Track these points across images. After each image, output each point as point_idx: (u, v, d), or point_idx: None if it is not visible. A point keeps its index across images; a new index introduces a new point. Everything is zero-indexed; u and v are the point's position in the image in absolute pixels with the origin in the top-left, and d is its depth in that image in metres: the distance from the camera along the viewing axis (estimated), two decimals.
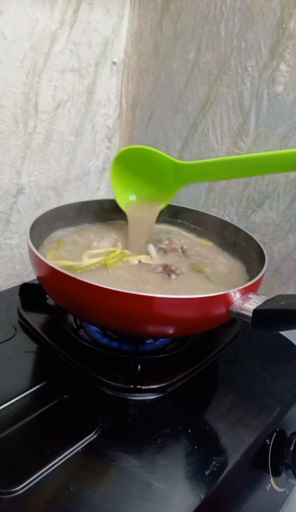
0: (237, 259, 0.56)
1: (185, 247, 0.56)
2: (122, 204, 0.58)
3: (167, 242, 0.56)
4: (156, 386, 0.44)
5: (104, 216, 0.63)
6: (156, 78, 0.72)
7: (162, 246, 0.56)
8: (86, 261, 0.50)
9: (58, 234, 0.57)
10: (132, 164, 0.55)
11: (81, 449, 0.38)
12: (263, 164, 0.45)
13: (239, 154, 0.65)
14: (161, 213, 0.61)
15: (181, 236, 0.61)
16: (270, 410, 0.45)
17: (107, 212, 0.63)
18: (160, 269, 0.49)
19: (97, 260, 0.50)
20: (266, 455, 0.44)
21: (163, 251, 0.55)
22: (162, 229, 0.63)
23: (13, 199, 0.68)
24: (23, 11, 0.58)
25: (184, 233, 0.62)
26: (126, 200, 0.58)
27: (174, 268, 0.48)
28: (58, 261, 0.50)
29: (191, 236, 0.62)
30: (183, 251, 0.55)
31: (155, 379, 0.45)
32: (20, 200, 0.69)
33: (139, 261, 0.51)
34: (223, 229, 0.59)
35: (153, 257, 0.53)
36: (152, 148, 0.53)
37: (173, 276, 0.48)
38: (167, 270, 0.49)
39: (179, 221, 0.64)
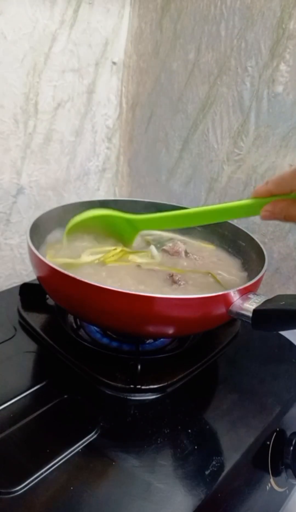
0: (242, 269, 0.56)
1: (188, 251, 0.56)
2: None
3: (170, 244, 0.56)
4: (156, 386, 0.44)
5: None
6: (156, 78, 0.72)
7: (165, 248, 0.56)
8: (85, 258, 0.50)
9: (58, 234, 0.57)
10: (84, 229, 0.54)
11: (81, 449, 0.38)
12: (215, 215, 0.46)
13: (239, 154, 0.65)
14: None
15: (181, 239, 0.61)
16: (270, 410, 0.45)
17: None
18: (166, 276, 0.49)
19: (96, 258, 0.50)
20: (266, 455, 0.44)
21: (166, 253, 0.55)
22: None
23: (13, 199, 0.68)
24: (23, 11, 0.58)
25: (182, 237, 0.62)
26: None
27: (177, 278, 0.48)
28: (57, 259, 0.50)
29: (192, 240, 0.61)
30: (186, 254, 0.55)
31: (155, 379, 0.45)
32: (20, 200, 0.69)
33: (139, 266, 0.51)
34: (223, 229, 0.59)
35: (155, 256, 0.53)
36: (98, 213, 0.53)
37: (175, 286, 0.48)
38: (172, 280, 0.49)
39: None
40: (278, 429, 0.45)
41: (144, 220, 0.51)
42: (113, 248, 0.53)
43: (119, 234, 0.54)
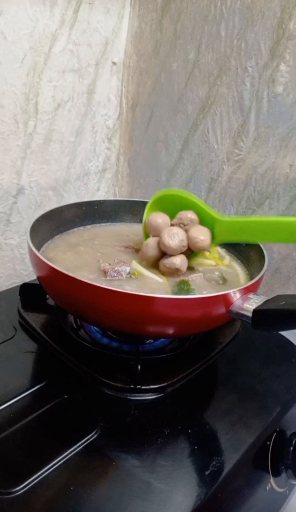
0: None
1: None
2: None
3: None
4: (156, 386, 0.44)
5: (105, 216, 0.63)
6: (156, 78, 0.72)
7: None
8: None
9: (58, 234, 0.57)
10: (166, 209, 0.50)
11: (81, 449, 0.38)
12: None
13: (239, 154, 0.65)
14: None
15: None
16: (270, 410, 0.45)
17: (107, 213, 0.63)
18: None
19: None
20: (266, 455, 0.44)
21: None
22: None
23: (13, 199, 0.68)
24: (23, 11, 0.59)
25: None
26: None
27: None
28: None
29: None
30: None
31: (155, 379, 0.45)
32: (20, 200, 0.69)
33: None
34: None
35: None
36: (191, 197, 0.49)
37: None
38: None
39: None
40: (278, 429, 0.45)
41: (232, 223, 0.45)
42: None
43: None
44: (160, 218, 0.49)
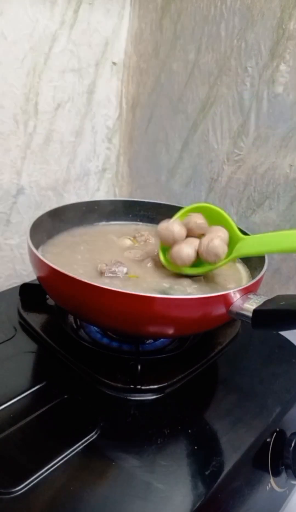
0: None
1: None
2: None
3: None
4: (156, 386, 0.44)
5: (105, 216, 0.63)
6: (156, 78, 0.72)
7: None
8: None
9: (58, 234, 0.57)
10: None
11: (81, 449, 0.38)
12: None
13: (239, 154, 0.65)
14: (160, 213, 0.61)
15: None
16: (270, 410, 0.45)
17: (107, 213, 0.63)
18: None
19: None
20: (266, 455, 0.44)
21: None
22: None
23: (13, 199, 0.68)
24: (23, 12, 0.59)
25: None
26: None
27: None
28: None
29: None
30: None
31: (155, 379, 0.45)
32: (20, 200, 0.69)
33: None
34: None
35: None
36: (222, 212, 0.49)
37: None
38: None
39: None
40: (278, 429, 0.45)
41: (254, 239, 0.46)
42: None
43: None
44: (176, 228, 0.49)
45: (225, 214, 0.50)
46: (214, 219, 0.49)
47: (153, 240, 0.58)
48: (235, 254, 0.47)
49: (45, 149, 0.69)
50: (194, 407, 0.44)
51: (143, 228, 0.61)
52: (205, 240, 0.47)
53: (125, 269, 0.48)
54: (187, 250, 0.47)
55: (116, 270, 0.48)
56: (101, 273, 0.48)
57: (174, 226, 0.48)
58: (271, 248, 0.46)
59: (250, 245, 0.47)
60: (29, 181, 0.69)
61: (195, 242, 0.48)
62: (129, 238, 0.58)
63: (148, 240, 0.58)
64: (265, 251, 0.47)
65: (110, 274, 0.47)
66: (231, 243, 0.48)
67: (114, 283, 0.46)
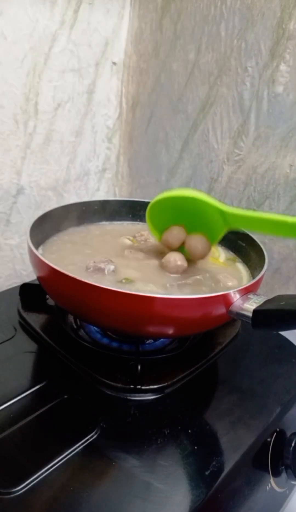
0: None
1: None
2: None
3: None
4: (156, 386, 0.44)
5: (105, 216, 0.63)
6: (156, 78, 0.72)
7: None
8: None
9: (58, 234, 0.57)
10: (167, 213, 0.51)
11: (81, 449, 0.38)
12: None
13: (239, 154, 0.65)
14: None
15: None
16: (270, 410, 0.45)
17: (107, 212, 0.63)
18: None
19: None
20: (266, 455, 0.44)
21: None
22: None
23: (13, 199, 0.68)
24: (23, 12, 0.59)
25: None
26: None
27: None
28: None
29: None
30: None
31: (155, 379, 0.45)
32: (20, 200, 0.69)
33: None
34: None
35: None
36: (192, 195, 0.49)
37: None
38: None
39: None
40: (278, 430, 0.45)
41: (240, 217, 0.46)
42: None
43: (206, 226, 0.49)
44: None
45: (200, 196, 0.48)
46: (195, 207, 0.49)
47: (152, 240, 0.58)
48: (226, 227, 0.48)
49: (45, 149, 0.69)
50: (194, 407, 0.44)
51: (143, 228, 0.61)
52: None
53: (112, 267, 0.48)
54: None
55: (103, 267, 0.48)
56: (87, 269, 0.48)
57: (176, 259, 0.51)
58: (255, 230, 0.48)
59: (237, 222, 0.48)
60: (29, 181, 0.69)
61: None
62: (128, 238, 0.58)
63: (147, 240, 0.58)
64: (251, 230, 0.50)
65: (94, 269, 0.48)
66: (218, 221, 0.48)
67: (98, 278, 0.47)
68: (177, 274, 0.50)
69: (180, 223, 0.51)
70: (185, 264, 0.50)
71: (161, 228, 0.53)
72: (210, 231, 0.50)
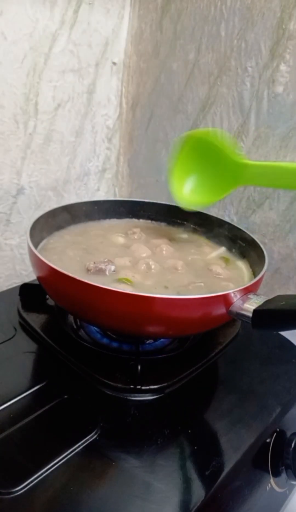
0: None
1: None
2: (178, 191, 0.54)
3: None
4: (156, 387, 0.44)
5: (105, 216, 0.63)
6: (156, 78, 0.72)
7: None
8: None
9: (58, 234, 0.57)
10: (198, 149, 0.50)
11: (81, 449, 0.38)
12: None
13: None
14: (161, 213, 0.61)
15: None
16: (270, 411, 0.45)
17: (107, 212, 0.63)
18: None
19: None
20: (266, 455, 0.44)
21: None
22: (161, 229, 0.63)
23: (13, 200, 0.68)
24: (23, 12, 0.59)
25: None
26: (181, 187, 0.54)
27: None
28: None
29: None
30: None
31: (155, 379, 0.45)
32: (20, 200, 0.69)
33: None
34: (223, 229, 0.59)
35: None
36: (219, 138, 0.49)
37: None
38: None
39: (179, 221, 0.64)
40: (278, 430, 0.45)
41: (259, 167, 0.45)
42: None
43: (219, 177, 0.48)
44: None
45: (219, 143, 0.48)
46: (210, 150, 0.49)
47: (144, 237, 0.58)
48: (240, 182, 0.47)
49: (45, 149, 0.69)
50: (194, 407, 0.44)
51: (136, 225, 0.62)
52: None
53: (113, 267, 0.48)
54: None
55: (104, 268, 0.48)
56: (88, 270, 0.48)
57: None
58: (274, 183, 0.46)
59: (253, 174, 0.46)
60: (29, 181, 0.69)
61: None
62: (121, 236, 0.58)
63: (140, 238, 0.58)
64: (268, 183, 0.48)
65: (95, 271, 0.48)
66: (230, 171, 0.48)
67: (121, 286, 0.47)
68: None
69: (195, 172, 0.51)
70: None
71: (180, 179, 0.52)
72: (221, 183, 0.49)
